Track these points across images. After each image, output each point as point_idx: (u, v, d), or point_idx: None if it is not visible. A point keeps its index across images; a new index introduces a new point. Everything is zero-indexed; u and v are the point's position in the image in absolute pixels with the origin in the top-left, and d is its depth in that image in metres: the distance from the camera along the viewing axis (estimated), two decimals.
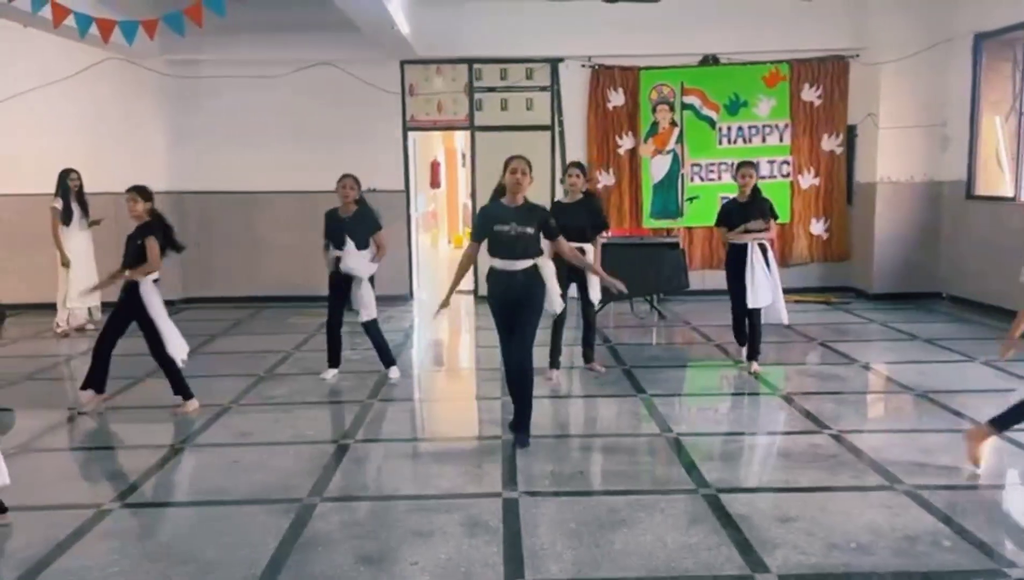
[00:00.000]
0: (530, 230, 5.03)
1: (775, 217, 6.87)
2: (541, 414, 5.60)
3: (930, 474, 4.56)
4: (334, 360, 6.86)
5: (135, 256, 5.77)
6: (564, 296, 6.62)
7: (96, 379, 5.94)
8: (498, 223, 5.05)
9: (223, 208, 10.63)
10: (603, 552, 3.67)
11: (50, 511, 4.27)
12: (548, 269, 5.26)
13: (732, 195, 7.45)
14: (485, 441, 5.34)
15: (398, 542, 3.82)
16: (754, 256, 6.66)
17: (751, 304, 6.68)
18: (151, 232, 5.79)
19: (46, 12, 6.61)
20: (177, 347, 5.87)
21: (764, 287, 6.68)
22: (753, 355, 6.83)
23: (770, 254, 6.81)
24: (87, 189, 8.94)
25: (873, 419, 5.77)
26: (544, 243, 5.20)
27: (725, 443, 5.26)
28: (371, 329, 6.70)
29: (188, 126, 10.49)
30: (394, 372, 6.81)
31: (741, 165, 6.93)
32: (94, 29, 6.73)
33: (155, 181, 9.90)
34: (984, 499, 4.23)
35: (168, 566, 3.62)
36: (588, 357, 6.97)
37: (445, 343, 9.08)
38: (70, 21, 6.66)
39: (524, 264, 5.08)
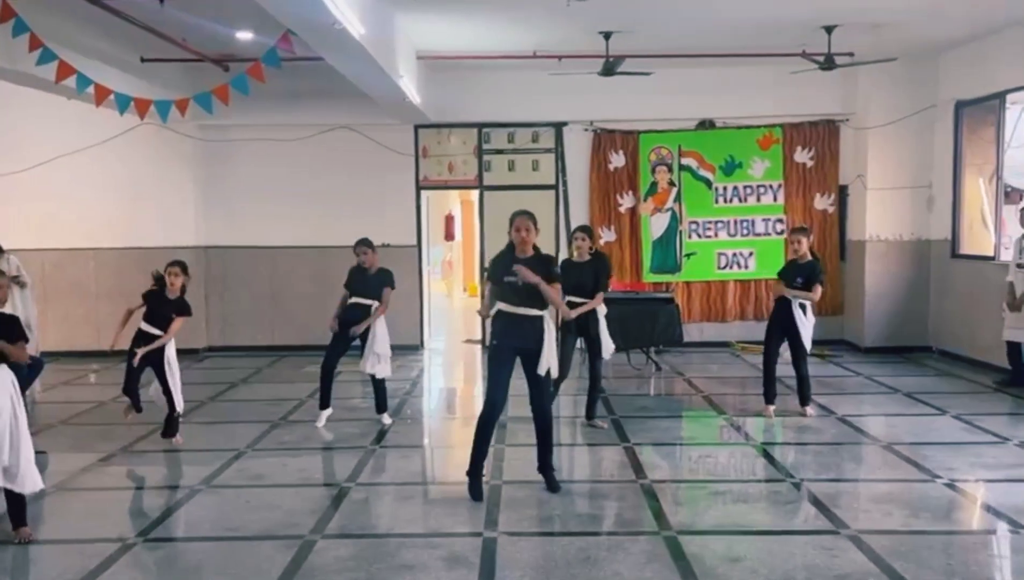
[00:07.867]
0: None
1: (820, 282, 7.27)
2: (529, 462, 6.07)
3: (876, 520, 4.99)
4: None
5: (165, 322, 6.55)
6: (572, 352, 7.15)
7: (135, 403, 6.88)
8: (508, 274, 5.31)
9: (246, 262, 11.27)
10: None
11: (81, 544, 4.81)
12: (550, 334, 5.40)
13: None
14: None
15: (385, 574, 4.30)
16: (796, 312, 7.22)
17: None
18: (184, 313, 6.58)
19: (90, 89, 7.35)
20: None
21: (799, 339, 7.25)
22: (805, 401, 7.49)
23: (809, 313, 7.32)
24: (120, 245, 9.58)
25: (834, 468, 6.17)
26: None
27: (693, 489, 5.72)
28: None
29: (215, 185, 11.21)
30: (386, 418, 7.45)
31: (793, 230, 7.57)
32: (132, 106, 7.45)
33: (183, 236, 10.79)
34: (920, 543, 4.62)
35: None
36: (591, 414, 7.15)
37: (450, 391, 9.59)
38: (111, 98, 7.40)
39: (532, 312, 5.33)
